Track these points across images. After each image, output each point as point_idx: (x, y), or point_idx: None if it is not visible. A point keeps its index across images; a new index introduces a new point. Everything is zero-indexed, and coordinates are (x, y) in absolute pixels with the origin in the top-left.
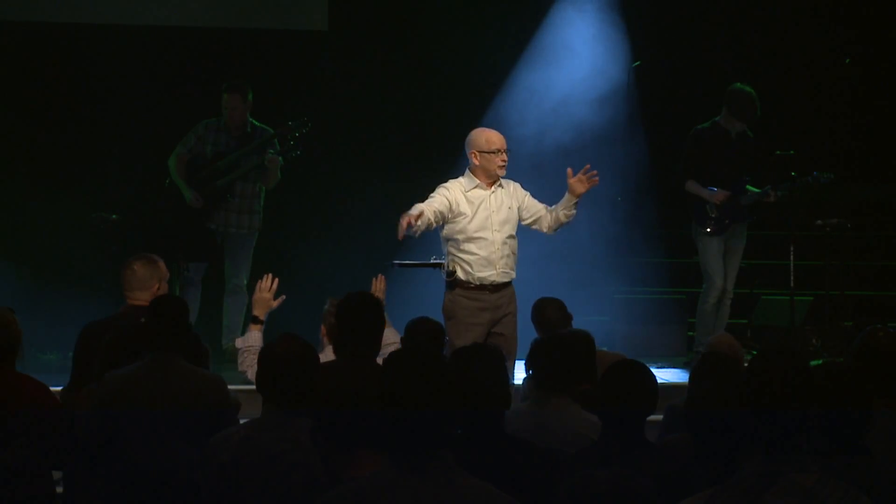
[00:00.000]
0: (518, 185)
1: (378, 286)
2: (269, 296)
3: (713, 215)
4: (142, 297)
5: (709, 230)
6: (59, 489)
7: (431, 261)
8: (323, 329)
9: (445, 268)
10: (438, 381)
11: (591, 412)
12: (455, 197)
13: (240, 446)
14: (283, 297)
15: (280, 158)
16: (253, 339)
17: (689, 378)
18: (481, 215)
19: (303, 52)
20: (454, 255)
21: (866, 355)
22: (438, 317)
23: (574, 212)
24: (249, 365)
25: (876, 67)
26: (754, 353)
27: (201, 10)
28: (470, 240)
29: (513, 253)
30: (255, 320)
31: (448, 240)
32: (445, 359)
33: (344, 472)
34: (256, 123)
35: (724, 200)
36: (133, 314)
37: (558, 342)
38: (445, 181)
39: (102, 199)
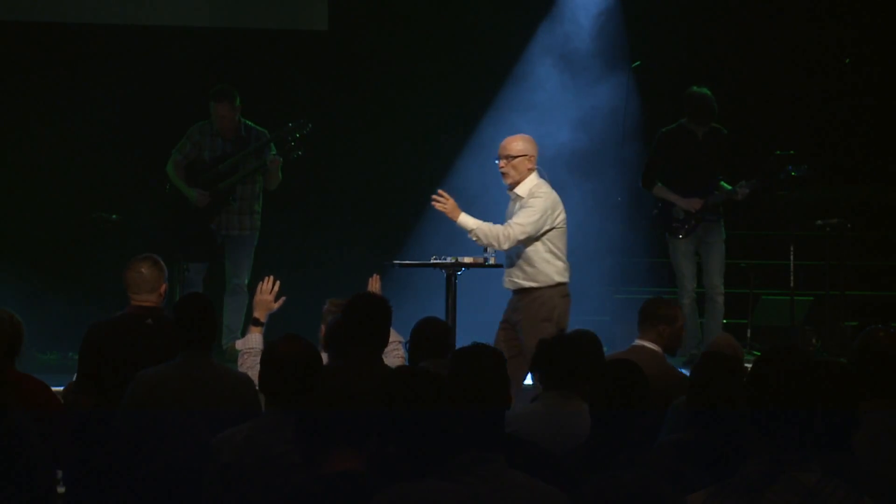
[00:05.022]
0: (527, 199)
1: (373, 286)
2: (269, 297)
3: (680, 217)
4: (150, 299)
5: (679, 235)
6: (60, 489)
7: (431, 261)
8: (322, 329)
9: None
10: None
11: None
12: None
13: (243, 447)
14: (284, 298)
15: (281, 159)
16: (253, 341)
17: (692, 377)
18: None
19: (303, 52)
20: None
21: (866, 356)
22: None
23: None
24: (249, 367)
25: (876, 67)
26: (755, 353)
27: (201, 10)
28: None
29: (523, 261)
30: (256, 322)
31: None
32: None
33: (320, 467)
34: (250, 124)
35: (699, 207)
36: (140, 315)
37: (565, 341)
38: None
39: (102, 199)
